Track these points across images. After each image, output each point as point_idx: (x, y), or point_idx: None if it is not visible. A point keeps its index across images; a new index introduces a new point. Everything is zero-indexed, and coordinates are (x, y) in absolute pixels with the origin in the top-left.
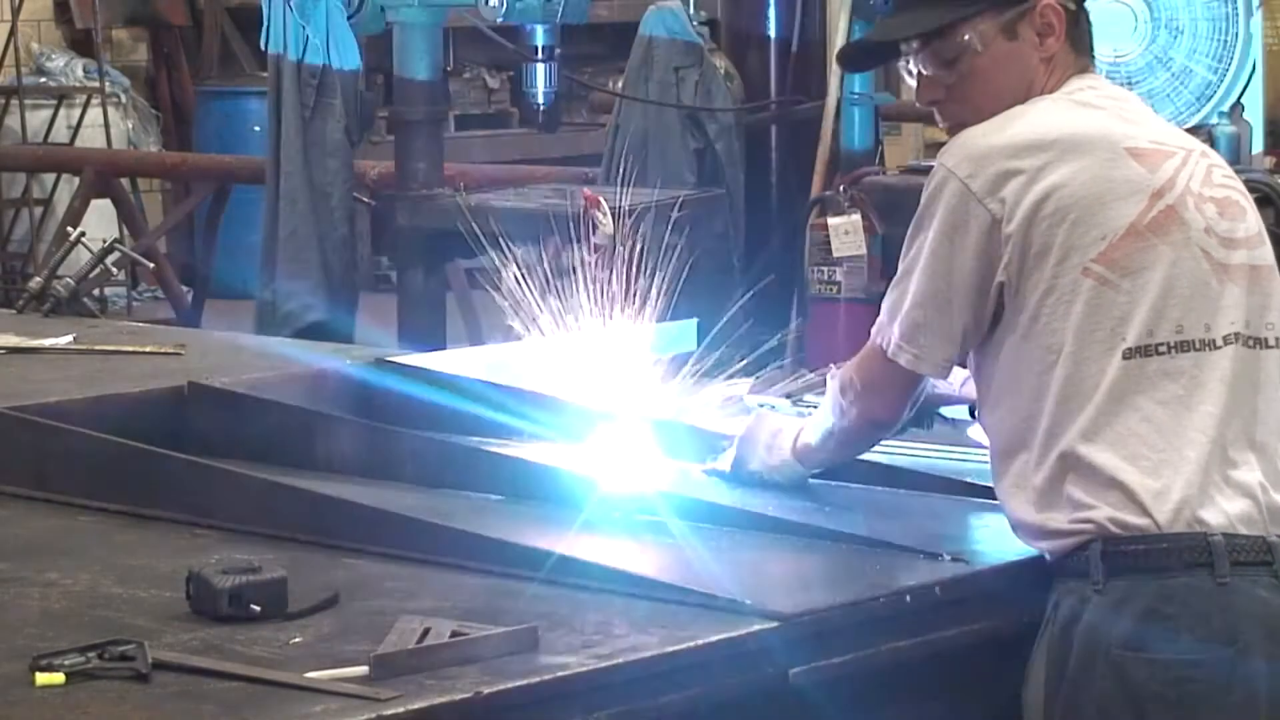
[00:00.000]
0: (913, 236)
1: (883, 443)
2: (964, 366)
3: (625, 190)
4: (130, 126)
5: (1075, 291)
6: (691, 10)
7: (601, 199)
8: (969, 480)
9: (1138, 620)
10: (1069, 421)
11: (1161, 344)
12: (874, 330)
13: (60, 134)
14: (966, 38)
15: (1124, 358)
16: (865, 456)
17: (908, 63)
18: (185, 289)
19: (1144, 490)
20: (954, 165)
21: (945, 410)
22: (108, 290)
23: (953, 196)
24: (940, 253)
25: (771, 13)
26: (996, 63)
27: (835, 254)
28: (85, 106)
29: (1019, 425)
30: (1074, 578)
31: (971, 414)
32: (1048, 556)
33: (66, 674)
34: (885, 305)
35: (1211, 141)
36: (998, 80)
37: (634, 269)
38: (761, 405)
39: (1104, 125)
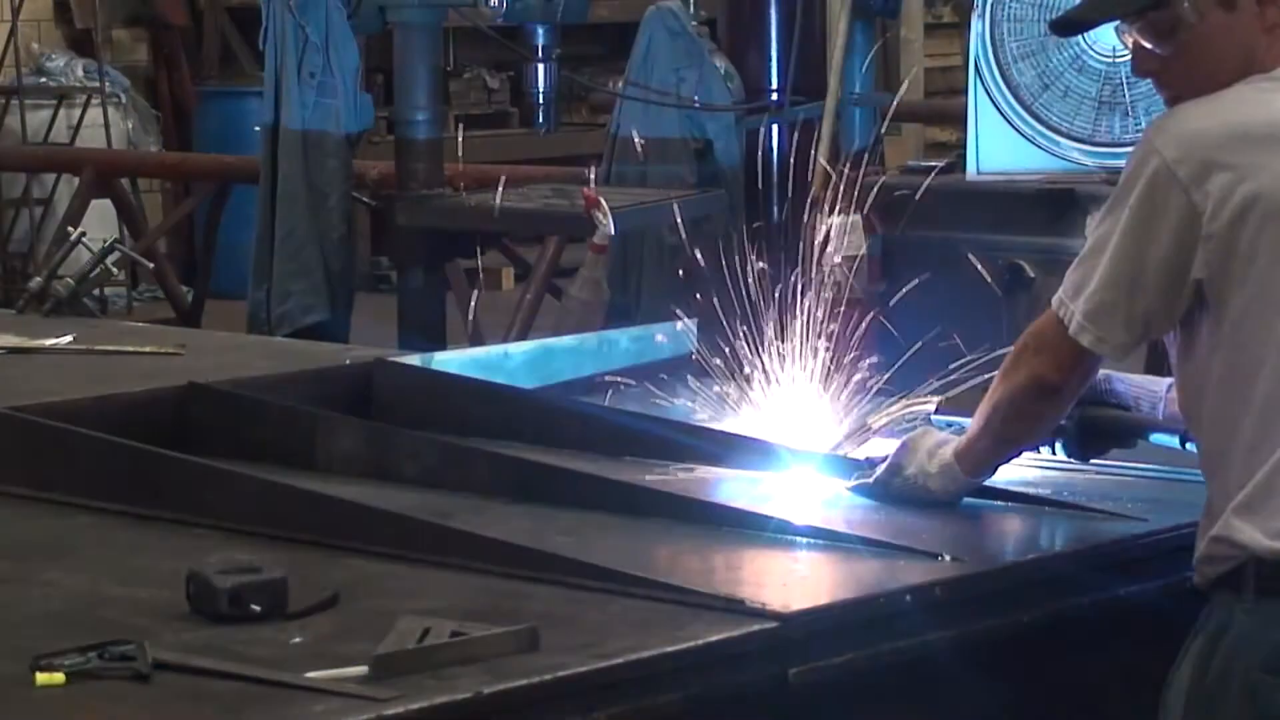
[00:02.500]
0: (1109, 210)
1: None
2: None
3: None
4: (130, 126)
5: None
6: (691, 10)
7: (601, 199)
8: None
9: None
10: (1271, 439)
11: None
12: (1054, 301)
13: (60, 134)
14: (1185, 6)
15: None
16: (865, 457)
17: (1123, 32)
18: (185, 289)
19: None
20: (1161, 145)
21: (1155, 438)
22: (108, 290)
23: (1155, 177)
24: (1135, 234)
25: (771, 13)
26: (1214, 34)
27: (835, 254)
28: (85, 106)
29: (1219, 436)
30: (1227, 591)
31: (1182, 444)
32: (1205, 567)
33: (66, 674)
34: (1070, 279)
35: None
36: (1215, 53)
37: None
38: (951, 426)
39: None
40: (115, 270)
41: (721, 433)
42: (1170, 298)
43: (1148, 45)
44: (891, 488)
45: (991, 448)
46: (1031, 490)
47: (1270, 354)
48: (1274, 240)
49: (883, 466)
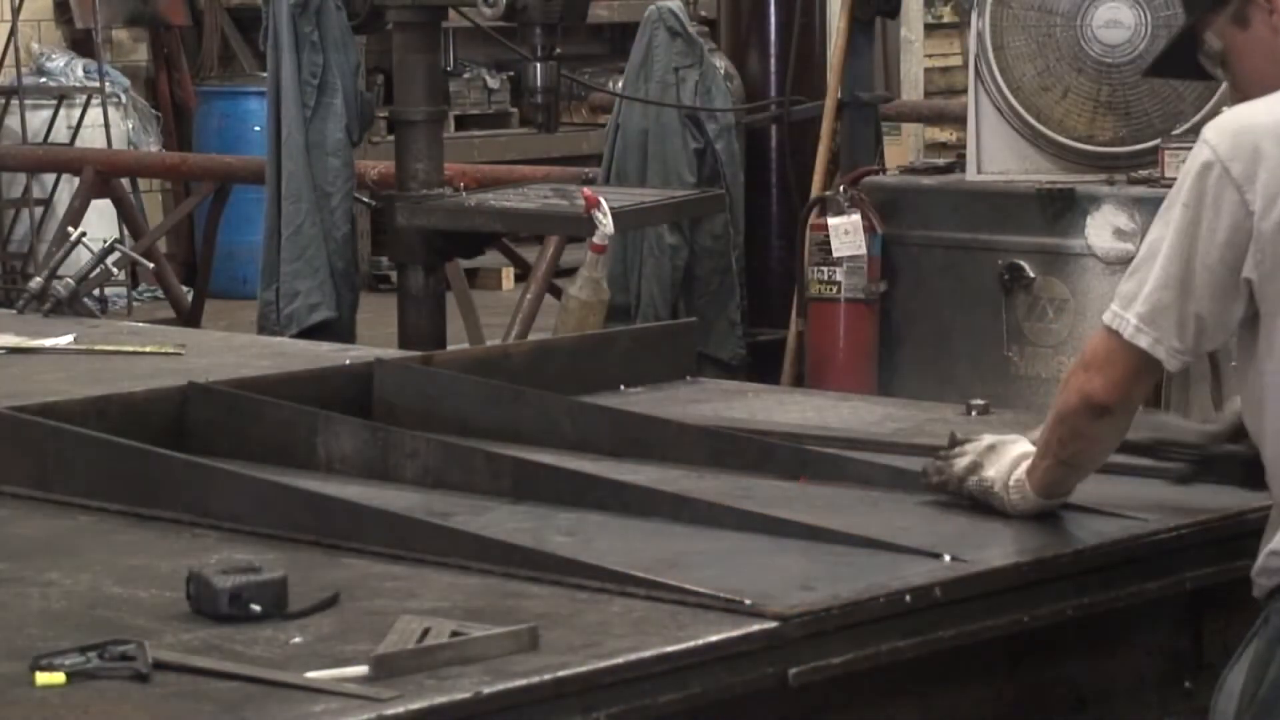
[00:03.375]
0: (1162, 214)
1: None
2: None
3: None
4: (130, 126)
5: None
6: (691, 10)
7: (601, 199)
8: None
9: None
10: None
11: None
12: (1106, 317)
13: (60, 134)
14: (1210, 36)
15: None
16: (864, 456)
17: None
18: (185, 289)
19: None
20: (1215, 141)
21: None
22: (108, 290)
23: (1206, 173)
24: (1188, 232)
25: (771, 13)
26: (1242, 54)
27: (835, 254)
28: (85, 106)
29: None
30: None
31: None
32: (1261, 579)
33: (66, 674)
34: (1122, 291)
35: None
36: (1250, 70)
37: None
38: None
39: None
40: (115, 270)
41: (722, 432)
42: (1223, 301)
43: (1222, 78)
44: (966, 485)
45: (1055, 469)
46: None
47: None
48: None
49: (961, 461)
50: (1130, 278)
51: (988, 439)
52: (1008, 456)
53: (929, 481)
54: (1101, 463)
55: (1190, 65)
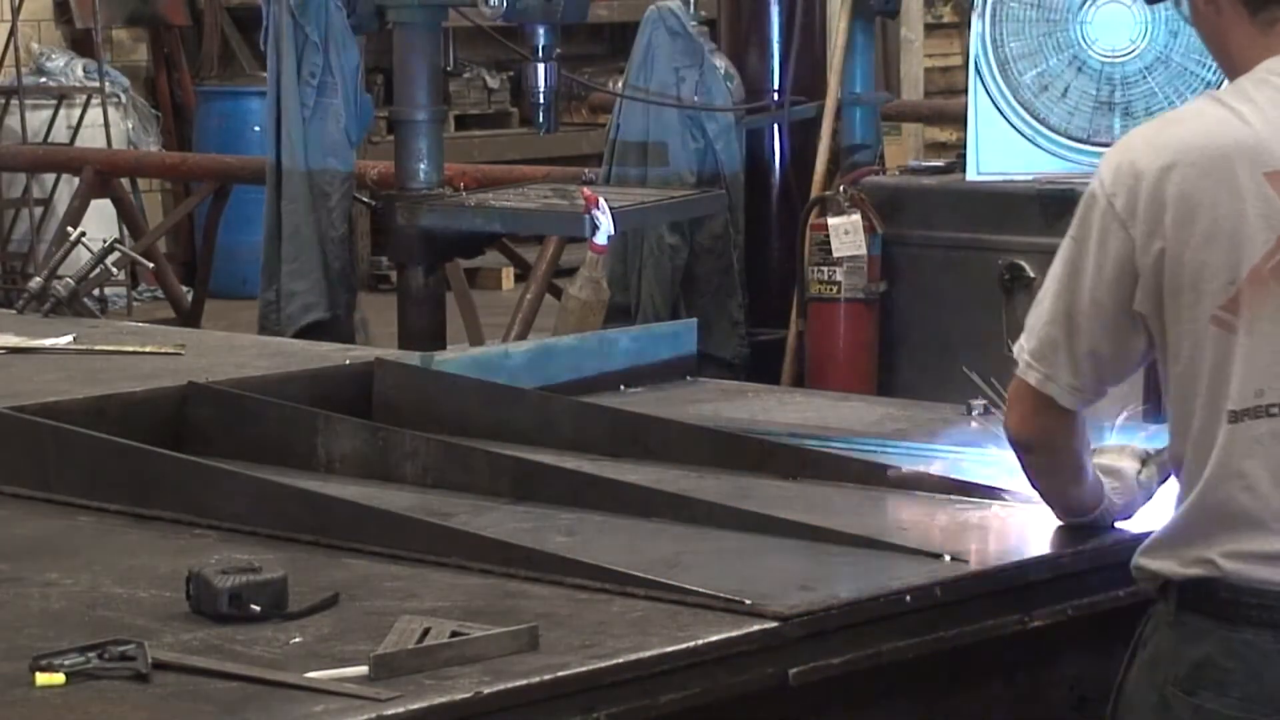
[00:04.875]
0: (1061, 247)
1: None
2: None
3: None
4: (130, 126)
5: (1202, 340)
6: (691, 10)
7: (601, 199)
8: (969, 480)
9: (1194, 665)
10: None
11: (1274, 405)
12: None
13: (60, 134)
14: None
15: (1229, 421)
16: (865, 457)
17: None
18: (185, 289)
19: None
20: (1102, 171)
21: None
22: (108, 290)
23: (1092, 207)
24: (1073, 265)
25: (771, 12)
26: (1194, 18)
27: (835, 254)
28: (85, 106)
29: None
30: (1160, 601)
31: None
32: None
33: (66, 674)
34: (1029, 317)
35: None
36: (1204, 37)
37: None
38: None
39: (1253, 137)
40: (115, 270)
41: (722, 432)
42: (1117, 336)
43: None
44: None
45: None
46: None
47: (1199, 393)
48: (1195, 275)
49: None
50: (1034, 307)
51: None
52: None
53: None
54: (1063, 491)
55: None
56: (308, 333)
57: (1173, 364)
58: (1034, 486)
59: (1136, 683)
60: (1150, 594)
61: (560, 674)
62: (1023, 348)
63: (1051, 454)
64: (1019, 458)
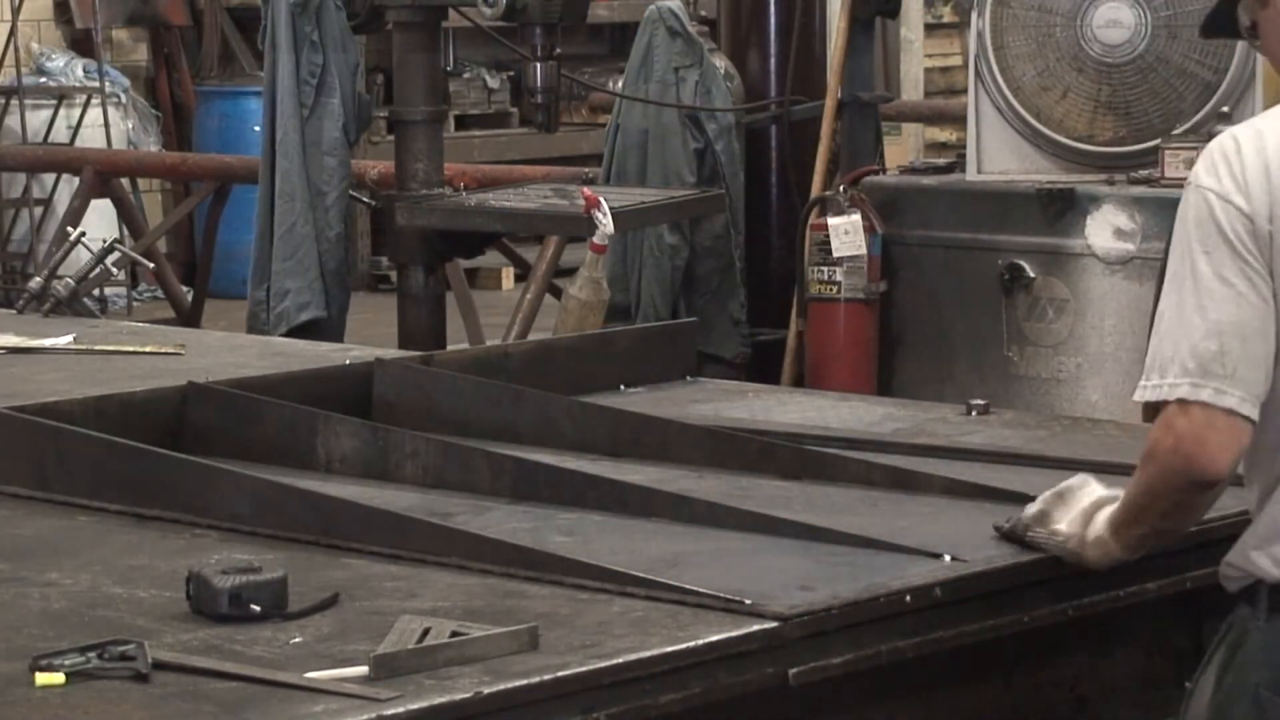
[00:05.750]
0: (1172, 273)
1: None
2: None
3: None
4: (130, 126)
5: None
6: (691, 10)
7: (601, 199)
8: (969, 480)
9: None
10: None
11: None
12: (1147, 395)
13: (60, 134)
14: (1241, 13)
15: None
16: (864, 457)
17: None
18: (185, 289)
19: None
20: (1204, 179)
21: None
22: (108, 290)
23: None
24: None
25: (771, 13)
26: (1265, 31)
27: (835, 254)
28: (85, 106)
29: (1250, 470)
30: (1245, 604)
31: None
32: (1230, 581)
33: (66, 674)
34: (1153, 361)
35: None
36: (1272, 48)
37: None
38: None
39: None
40: (115, 270)
41: (722, 432)
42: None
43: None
44: (1033, 535)
45: (1152, 536)
46: (1031, 491)
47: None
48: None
49: (1030, 509)
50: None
51: (1058, 487)
52: (1077, 506)
53: (999, 528)
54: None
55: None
56: (301, 332)
57: None
58: (1189, 520)
59: (1226, 688)
60: (1230, 594)
61: (560, 674)
62: (1162, 385)
63: (1230, 474)
64: (1193, 500)
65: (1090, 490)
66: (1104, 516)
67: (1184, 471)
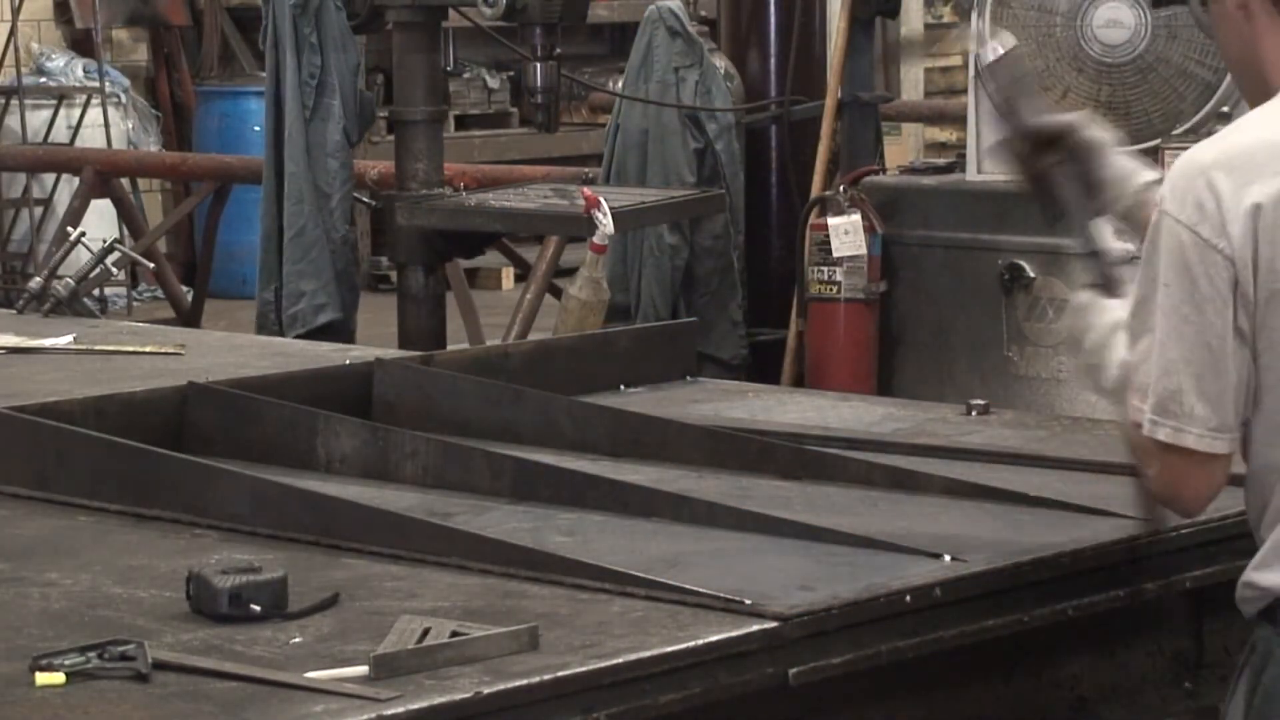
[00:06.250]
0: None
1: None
2: None
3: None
4: (130, 126)
5: None
6: (691, 10)
7: (601, 199)
8: (969, 480)
9: None
10: None
11: None
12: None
13: (60, 134)
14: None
15: None
16: (864, 457)
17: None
18: (185, 289)
19: None
20: (1172, 208)
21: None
22: (108, 290)
23: (1175, 242)
24: (1182, 305)
25: (771, 13)
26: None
27: (835, 254)
28: (85, 106)
29: (1252, 492)
30: (1266, 625)
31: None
32: (1244, 605)
33: (66, 674)
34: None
35: None
36: (1224, 45)
37: None
38: None
39: None
40: (115, 270)
41: (722, 432)
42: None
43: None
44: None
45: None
46: (1031, 491)
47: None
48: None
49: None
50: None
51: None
52: (1101, 326)
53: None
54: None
55: None
56: (317, 334)
57: (1265, 374)
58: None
59: (1257, 710)
60: (1248, 617)
61: (560, 674)
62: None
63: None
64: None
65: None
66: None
67: (1168, 501)
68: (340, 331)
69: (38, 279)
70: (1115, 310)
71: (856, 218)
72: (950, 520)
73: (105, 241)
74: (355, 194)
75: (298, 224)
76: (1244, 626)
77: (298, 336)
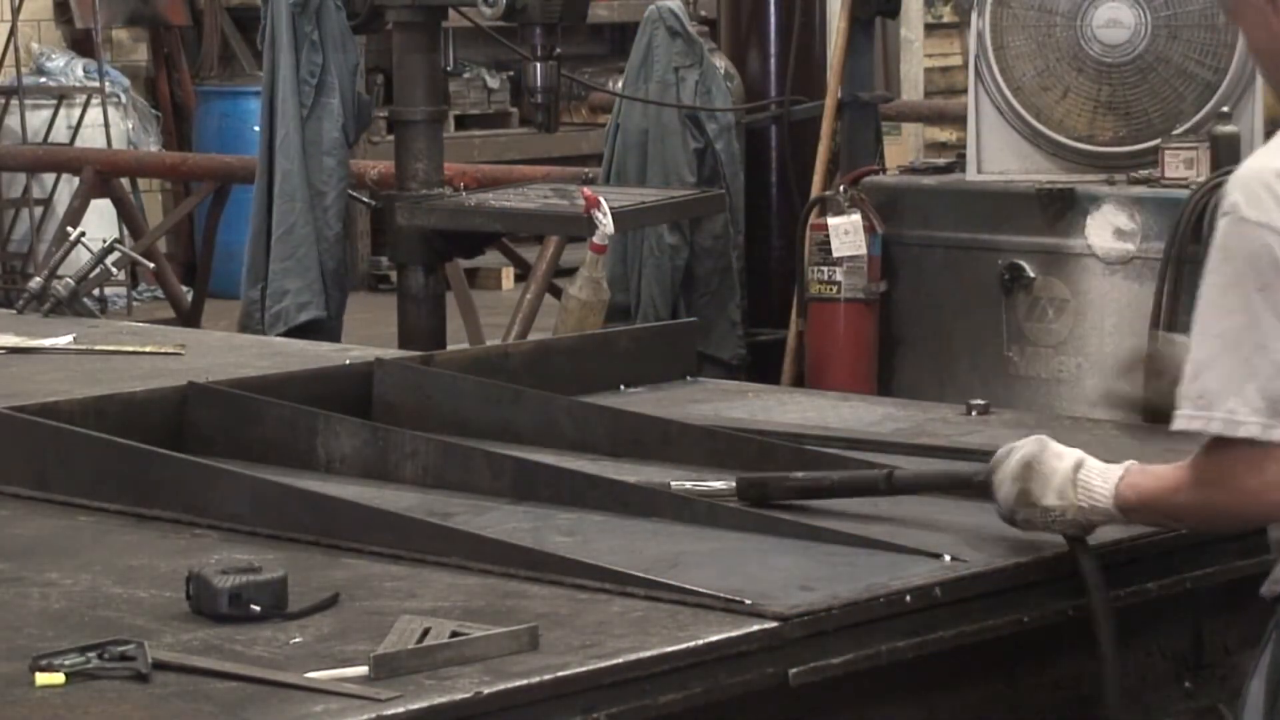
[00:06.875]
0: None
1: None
2: None
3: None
4: (130, 126)
5: None
6: (691, 10)
7: (601, 199)
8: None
9: None
10: None
11: None
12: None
13: (60, 134)
14: None
15: None
16: (864, 457)
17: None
18: (185, 289)
19: None
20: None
21: None
22: (108, 290)
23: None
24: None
25: (771, 13)
26: (1241, 13)
27: (835, 254)
28: (85, 106)
29: None
30: None
31: None
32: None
33: (66, 674)
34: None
35: (1211, 142)
36: (1247, 32)
37: None
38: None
39: None
40: (115, 270)
41: (722, 432)
42: None
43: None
44: (1030, 517)
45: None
46: None
47: None
48: None
49: (1004, 489)
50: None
51: (1015, 456)
52: (1055, 476)
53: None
54: None
55: None
56: (299, 332)
57: None
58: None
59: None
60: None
61: (560, 674)
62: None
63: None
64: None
65: (1054, 452)
66: (1101, 487)
67: (1267, 516)
68: (324, 330)
69: (38, 279)
70: None
71: (856, 218)
72: (950, 520)
73: (105, 241)
74: (354, 194)
75: (287, 222)
76: (1244, 625)
77: (280, 335)
